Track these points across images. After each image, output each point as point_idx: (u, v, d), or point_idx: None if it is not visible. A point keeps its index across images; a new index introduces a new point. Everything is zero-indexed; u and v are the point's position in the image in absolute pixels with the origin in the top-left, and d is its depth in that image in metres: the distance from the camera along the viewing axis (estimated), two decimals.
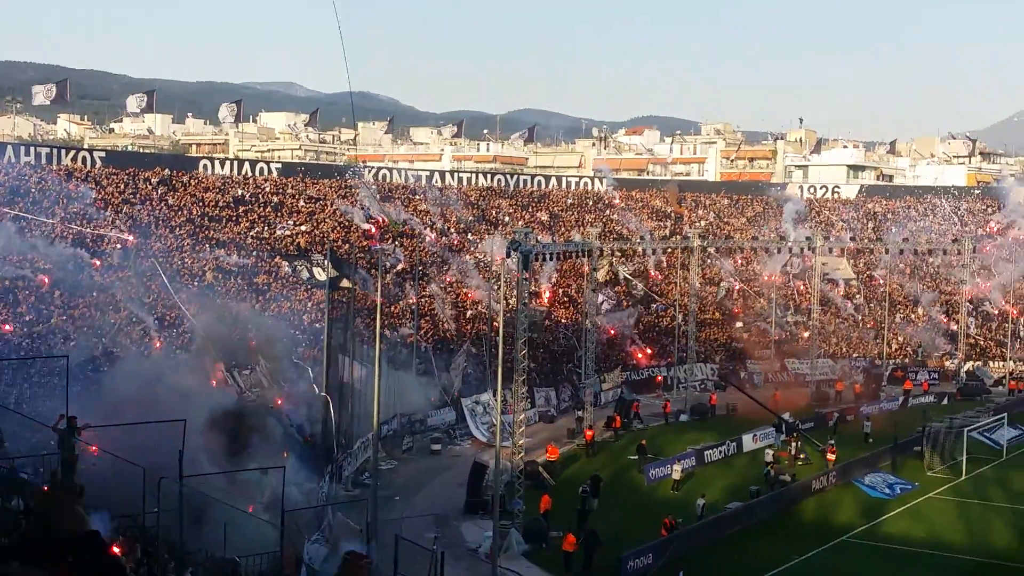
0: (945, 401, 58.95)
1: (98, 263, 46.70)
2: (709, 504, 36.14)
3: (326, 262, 40.95)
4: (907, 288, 74.12)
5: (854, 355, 66.79)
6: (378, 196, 65.28)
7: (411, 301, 54.42)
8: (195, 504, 20.84)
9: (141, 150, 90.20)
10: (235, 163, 67.76)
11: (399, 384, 44.49)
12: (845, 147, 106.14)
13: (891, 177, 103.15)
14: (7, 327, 39.68)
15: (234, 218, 58.26)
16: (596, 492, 37.19)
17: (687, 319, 58.89)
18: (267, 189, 63.73)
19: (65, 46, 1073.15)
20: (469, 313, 57.78)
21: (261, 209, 60.63)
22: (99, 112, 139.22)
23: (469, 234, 66.73)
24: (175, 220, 55.13)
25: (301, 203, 63.04)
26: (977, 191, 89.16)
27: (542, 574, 30.92)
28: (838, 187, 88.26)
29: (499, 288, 49.50)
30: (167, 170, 61.59)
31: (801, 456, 44.67)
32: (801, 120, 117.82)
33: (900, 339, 69.25)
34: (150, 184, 58.72)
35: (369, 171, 72.83)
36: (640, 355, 61.77)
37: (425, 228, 64.69)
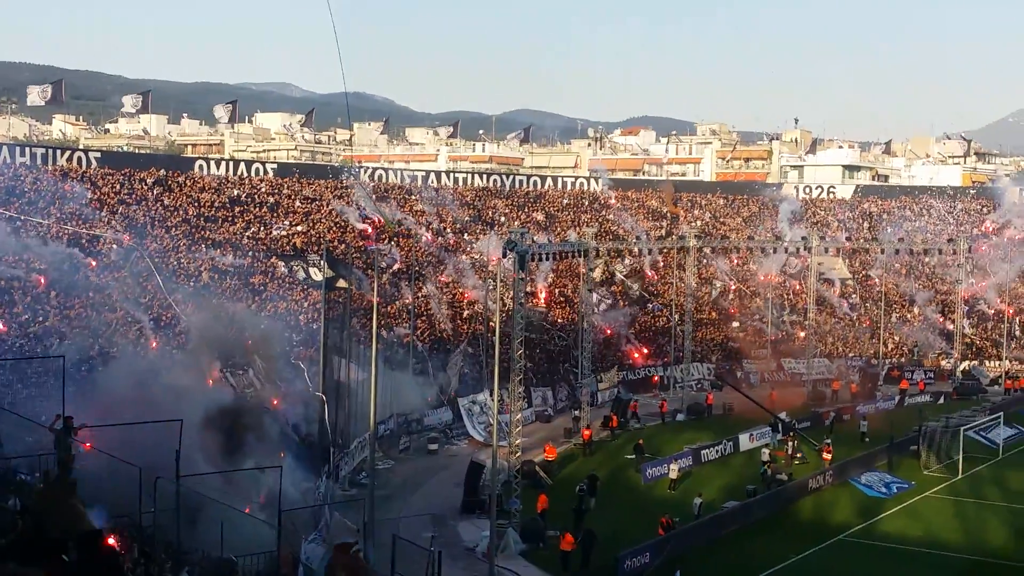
0: (941, 400, 59.03)
1: (94, 263, 46.64)
2: (706, 503, 36.09)
3: (322, 262, 40.85)
4: (903, 288, 74.24)
5: (850, 355, 66.92)
6: (373, 197, 65.20)
7: (407, 301, 54.39)
8: (191, 503, 20.78)
9: (136, 150, 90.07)
10: (231, 163, 67.70)
11: (396, 384, 44.42)
12: (840, 147, 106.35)
13: (886, 177, 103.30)
14: (2, 327, 39.61)
15: (230, 218, 58.22)
16: (593, 491, 37.19)
17: (683, 319, 58.92)
18: (263, 189, 63.69)
19: (60, 47, 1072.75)
20: (465, 313, 57.77)
21: (257, 209, 60.59)
22: (94, 113, 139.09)
23: (465, 234, 66.74)
24: (171, 220, 55.09)
25: (297, 203, 63.00)
26: (972, 191, 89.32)
27: (539, 573, 30.86)
28: (833, 187, 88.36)
29: (495, 288, 49.56)
30: (163, 170, 61.54)
31: (798, 455, 44.71)
32: (796, 120, 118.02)
33: (896, 339, 69.36)
34: (146, 184, 58.67)
35: (365, 171, 72.81)
36: (636, 355, 61.79)
37: (421, 228, 64.67)
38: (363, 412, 36.15)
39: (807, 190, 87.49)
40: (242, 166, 67.18)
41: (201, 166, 65.00)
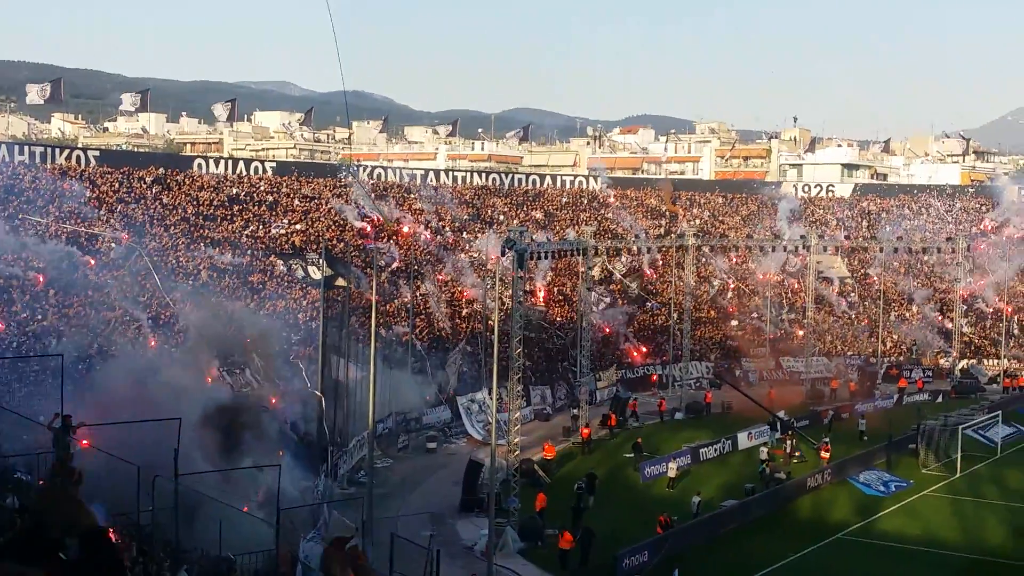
0: (940, 399, 59.06)
1: (92, 262, 46.61)
2: (704, 502, 36.12)
3: (321, 261, 40.83)
4: (901, 286, 74.26)
5: (849, 353, 66.93)
6: (372, 195, 65.17)
7: (406, 300, 54.38)
8: (189, 502, 20.79)
9: (135, 149, 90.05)
10: (229, 162, 67.67)
11: (394, 382, 44.45)
12: (839, 146, 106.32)
13: (885, 176, 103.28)
14: (0, 325, 39.58)
15: (229, 217, 58.19)
16: (592, 490, 37.21)
17: (682, 317, 58.92)
18: (262, 188, 63.67)
19: (59, 45, 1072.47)
20: (464, 311, 57.76)
21: (256, 208, 60.57)
22: (93, 111, 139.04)
23: (464, 233, 66.72)
24: (170, 219, 55.06)
25: (296, 202, 62.98)
26: (971, 190, 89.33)
27: (538, 572, 30.89)
28: (832, 186, 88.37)
29: (494, 287, 49.54)
30: (161, 169, 61.51)
31: (796, 454, 44.73)
32: (795, 119, 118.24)
33: (895, 337, 69.37)
34: (144, 183, 58.63)
35: (364, 170, 72.78)
36: (635, 353, 61.78)
37: (420, 227, 64.66)
38: (362, 410, 36.17)
39: (806, 189, 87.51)
40: (241, 165, 67.15)
41: (200, 165, 64.97)
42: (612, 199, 78.74)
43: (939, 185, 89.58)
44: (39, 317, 40.91)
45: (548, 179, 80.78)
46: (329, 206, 63.14)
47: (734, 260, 72.99)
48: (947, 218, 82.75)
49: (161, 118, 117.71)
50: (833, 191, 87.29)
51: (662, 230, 73.44)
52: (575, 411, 49.21)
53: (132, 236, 49.97)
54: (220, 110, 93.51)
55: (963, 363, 65.87)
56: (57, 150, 60.30)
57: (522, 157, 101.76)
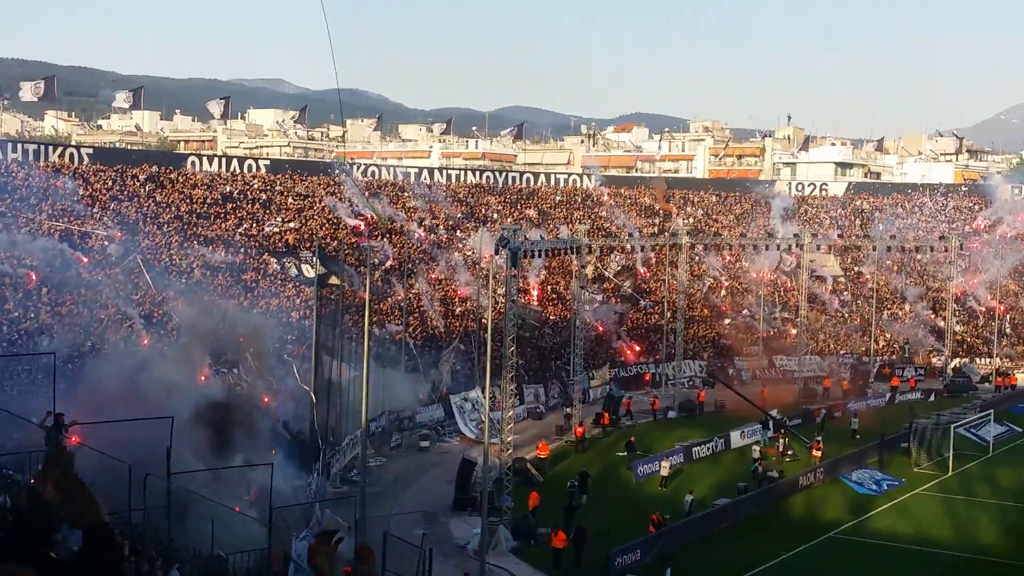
0: (932, 398, 59.15)
1: (85, 260, 46.52)
2: (697, 500, 36.19)
3: (314, 259, 40.80)
4: (894, 285, 74.38)
5: (841, 352, 67.02)
6: (366, 193, 65.14)
7: (399, 298, 54.37)
8: (181, 500, 20.74)
9: (129, 147, 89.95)
10: (223, 160, 67.63)
11: (387, 381, 44.43)
12: (833, 144, 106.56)
13: (879, 174, 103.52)
14: None
15: (222, 215, 58.11)
16: (584, 488, 37.25)
17: (675, 316, 58.98)
18: (255, 186, 63.59)
19: (53, 43, 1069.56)
20: (458, 310, 57.75)
21: (249, 206, 60.50)
22: (86, 109, 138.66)
23: (458, 231, 66.70)
24: (163, 217, 54.97)
25: (289, 200, 62.92)
26: (964, 188, 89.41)
27: (531, 571, 30.92)
28: (826, 184, 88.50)
29: (488, 285, 49.53)
30: (155, 167, 61.43)
31: (789, 452, 44.81)
32: (789, 118, 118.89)
33: (887, 336, 69.48)
34: (138, 181, 58.53)
35: (358, 168, 72.74)
36: (628, 352, 61.83)
37: (413, 225, 64.62)
38: (355, 409, 36.13)
39: (799, 187, 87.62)
40: (235, 162, 67.11)
41: (193, 162, 64.87)
42: (606, 197, 78.80)
43: (932, 184, 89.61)
44: (31, 315, 40.84)
45: (542, 177, 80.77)
46: (323, 204, 63.09)
47: (727, 258, 73.07)
48: (940, 217, 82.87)
49: (155, 116, 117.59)
50: (826, 190, 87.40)
51: (656, 228, 73.52)
52: (568, 410, 49.22)
53: (125, 234, 49.89)
54: (214, 108, 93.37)
55: (955, 362, 65.94)
56: (50, 147, 60.21)
57: (516, 155, 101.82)
